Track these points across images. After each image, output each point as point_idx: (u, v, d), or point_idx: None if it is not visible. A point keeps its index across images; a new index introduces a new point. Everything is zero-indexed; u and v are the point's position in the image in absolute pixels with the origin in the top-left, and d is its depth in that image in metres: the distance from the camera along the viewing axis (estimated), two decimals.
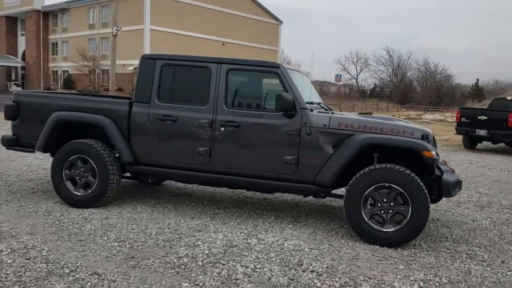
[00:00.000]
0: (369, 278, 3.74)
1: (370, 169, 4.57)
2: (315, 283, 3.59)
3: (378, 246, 4.55)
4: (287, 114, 4.86)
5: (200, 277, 3.62)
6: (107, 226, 4.78)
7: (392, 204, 4.54)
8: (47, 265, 3.70)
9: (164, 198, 6.10)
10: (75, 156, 5.37)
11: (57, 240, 4.32)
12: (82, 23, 48.98)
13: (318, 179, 4.82)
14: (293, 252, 4.25)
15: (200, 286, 3.47)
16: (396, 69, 73.79)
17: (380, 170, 4.52)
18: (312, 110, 4.93)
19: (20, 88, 47.63)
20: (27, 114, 5.72)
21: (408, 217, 4.48)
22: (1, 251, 3.93)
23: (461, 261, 4.31)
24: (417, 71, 75.07)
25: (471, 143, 14.75)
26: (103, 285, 3.41)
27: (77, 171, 5.42)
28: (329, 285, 3.57)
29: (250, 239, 4.55)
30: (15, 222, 4.76)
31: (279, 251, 4.27)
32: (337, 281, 3.65)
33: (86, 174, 5.39)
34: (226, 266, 3.86)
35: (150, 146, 5.26)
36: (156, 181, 5.80)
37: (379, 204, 4.58)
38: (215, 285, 3.49)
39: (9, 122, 5.95)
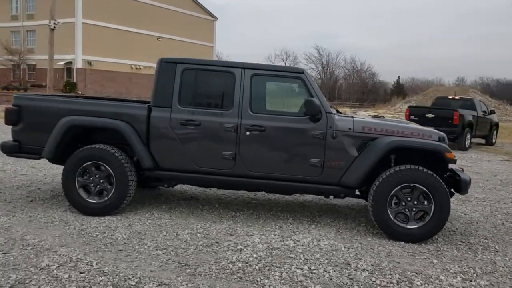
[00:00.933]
0: (416, 274, 4.02)
1: (395, 170, 4.85)
2: (374, 281, 3.81)
3: (403, 243, 4.84)
4: (313, 118, 5.02)
5: (266, 281, 3.71)
6: (137, 234, 4.69)
7: (415, 202, 4.86)
8: (108, 278, 3.60)
9: (173, 203, 6.04)
10: (89, 162, 5.19)
11: (97, 251, 4.19)
12: (4, 14, 45.84)
13: (344, 180, 5.03)
14: (334, 252, 4.44)
15: None
16: (325, 67, 76.26)
17: (406, 171, 4.82)
18: (335, 114, 5.14)
19: None
20: (31, 119, 5.42)
21: (431, 214, 4.82)
22: (49, 266, 3.77)
23: (481, 252, 4.72)
24: (344, 69, 78.06)
25: None
26: None
27: (91, 178, 5.24)
28: (388, 283, 3.80)
29: (286, 241, 4.67)
30: (38, 234, 4.53)
31: (320, 251, 4.44)
32: (392, 278, 3.88)
33: (101, 181, 5.22)
34: (282, 269, 3.96)
35: (172, 151, 5.21)
36: (172, 186, 5.72)
37: (403, 203, 4.88)
38: None
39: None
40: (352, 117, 5.28)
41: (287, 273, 3.88)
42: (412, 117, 15.16)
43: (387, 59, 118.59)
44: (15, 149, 5.45)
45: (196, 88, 5.33)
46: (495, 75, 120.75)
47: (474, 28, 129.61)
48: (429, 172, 4.82)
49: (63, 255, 4.01)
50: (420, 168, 4.84)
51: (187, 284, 3.57)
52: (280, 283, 3.69)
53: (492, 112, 17.62)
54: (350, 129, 5.05)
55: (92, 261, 3.90)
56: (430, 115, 14.75)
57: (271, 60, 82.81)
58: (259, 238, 4.71)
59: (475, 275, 4.09)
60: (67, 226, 4.84)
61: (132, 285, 3.52)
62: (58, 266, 3.77)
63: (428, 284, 3.81)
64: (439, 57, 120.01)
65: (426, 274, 4.01)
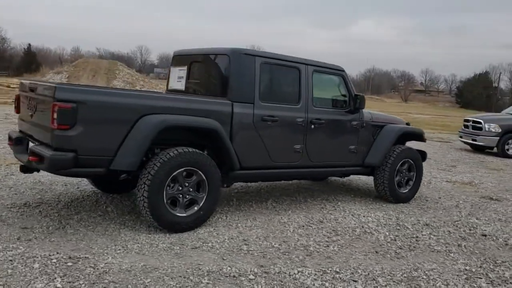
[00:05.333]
0: (464, 221, 5.71)
1: (401, 150, 6.31)
2: (465, 231, 5.31)
3: (405, 203, 6.40)
4: (353, 110, 5.87)
5: (438, 247, 4.66)
6: (276, 239, 4.52)
7: (406, 173, 6.50)
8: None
9: None
10: (181, 169, 4.39)
11: (318, 264, 4.00)
12: None
13: (367, 161, 6.13)
14: (401, 221, 5.57)
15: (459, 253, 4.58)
16: None
17: (406, 150, 6.37)
18: None
19: None
20: (98, 119, 4.01)
21: (414, 180, 6.57)
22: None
23: (445, 203, 6.77)
24: None
25: None
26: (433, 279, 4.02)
27: (180, 188, 4.43)
28: (469, 231, 5.37)
29: (367, 219, 5.48)
30: (208, 264, 3.79)
31: (397, 222, 5.49)
32: (466, 228, 5.47)
33: (190, 190, 4.51)
34: (421, 237, 4.94)
35: (254, 148, 5.00)
36: (229, 186, 5.24)
37: (400, 174, 6.43)
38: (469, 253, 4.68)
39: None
40: None
41: (428, 240, 4.90)
42: None
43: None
44: (70, 163, 3.90)
45: (270, 82, 5.19)
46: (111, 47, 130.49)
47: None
48: (414, 149, 6.55)
49: (318, 275, 3.72)
50: (410, 147, 6.50)
51: (427, 271, 4.09)
52: (441, 243, 4.75)
53: None
54: (370, 119, 6.15)
55: (351, 267, 3.83)
56: None
57: None
58: (354, 222, 5.31)
59: (476, 215, 6.13)
60: (200, 251, 4.11)
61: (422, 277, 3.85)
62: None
63: (487, 225, 5.59)
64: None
65: (467, 222, 5.73)
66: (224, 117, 4.74)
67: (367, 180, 7.68)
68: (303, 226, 5.00)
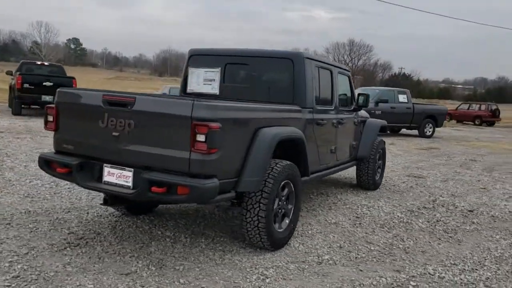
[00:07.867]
0: (438, 199, 6.67)
1: (378, 142, 6.93)
2: (453, 209, 6.26)
3: (380, 189, 7.11)
4: (356, 108, 6.23)
5: (467, 226, 5.45)
6: (361, 242, 4.67)
7: (378, 162, 7.19)
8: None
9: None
10: (283, 183, 4.19)
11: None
12: None
13: (359, 154, 6.60)
14: (404, 208, 6.24)
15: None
16: None
17: (381, 142, 7.03)
18: None
19: None
20: (233, 139, 3.54)
21: (381, 167, 7.33)
22: None
23: (408, 187, 7.68)
24: None
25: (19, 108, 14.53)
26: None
27: (279, 203, 4.22)
28: (454, 210, 6.34)
29: (389, 211, 5.98)
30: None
31: (402, 209, 6.13)
32: (453, 210, 6.42)
33: (285, 203, 4.33)
34: (445, 222, 5.67)
35: (313, 153, 4.97)
36: None
37: (376, 164, 7.09)
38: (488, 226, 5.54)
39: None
40: None
41: (450, 222, 5.65)
42: (26, 85, 13.85)
43: None
44: (218, 190, 3.40)
45: (318, 86, 5.12)
46: None
47: None
48: (383, 141, 7.27)
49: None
50: (382, 139, 7.19)
51: (481, 245, 4.84)
52: (461, 223, 5.55)
53: None
54: (360, 115, 6.59)
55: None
56: (48, 83, 14.08)
57: None
58: (383, 214, 5.73)
59: (435, 194, 7.19)
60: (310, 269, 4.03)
61: (505, 255, 4.47)
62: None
63: (457, 202, 6.63)
64: None
65: (443, 201, 6.70)
66: (297, 124, 4.59)
67: None
68: (354, 225, 5.22)
